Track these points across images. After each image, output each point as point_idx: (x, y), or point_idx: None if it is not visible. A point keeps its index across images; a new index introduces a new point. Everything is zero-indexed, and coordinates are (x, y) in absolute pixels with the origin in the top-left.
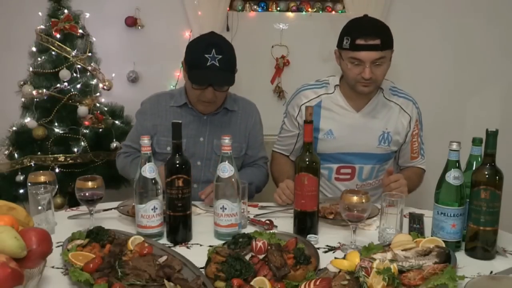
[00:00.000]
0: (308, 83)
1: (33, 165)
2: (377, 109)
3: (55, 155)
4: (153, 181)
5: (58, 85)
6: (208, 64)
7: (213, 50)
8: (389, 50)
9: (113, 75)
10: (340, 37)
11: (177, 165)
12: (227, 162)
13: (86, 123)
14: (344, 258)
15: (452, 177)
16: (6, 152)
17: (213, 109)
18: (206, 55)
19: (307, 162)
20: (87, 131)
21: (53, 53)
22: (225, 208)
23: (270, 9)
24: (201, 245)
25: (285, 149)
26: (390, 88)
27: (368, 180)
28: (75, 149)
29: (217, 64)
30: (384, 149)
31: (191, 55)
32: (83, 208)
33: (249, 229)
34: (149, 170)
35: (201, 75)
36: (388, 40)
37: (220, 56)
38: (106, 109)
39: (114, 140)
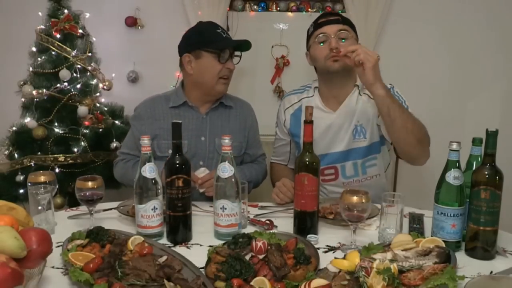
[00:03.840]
0: (295, 88)
1: (33, 165)
2: (352, 105)
3: (55, 155)
4: (153, 181)
5: (58, 85)
6: (224, 36)
7: (219, 27)
8: (351, 28)
9: (113, 75)
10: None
11: (177, 165)
12: (227, 162)
13: (86, 123)
14: (344, 258)
15: (452, 177)
16: (6, 152)
17: (226, 89)
18: (218, 30)
19: (307, 162)
20: (87, 131)
21: (53, 53)
22: (225, 208)
23: (270, 9)
24: (201, 245)
25: (282, 159)
26: None
27: (354, 177)
28: (75, 149)
29: (230, 37)
30: (363, 142)
31: (203, 34)
32: (83, 208)
33: (249, 229)
34: (149, 170)
35: (226, 42)
36: (348, 20)
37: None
38: (106, 109)
39: (114, 140)
